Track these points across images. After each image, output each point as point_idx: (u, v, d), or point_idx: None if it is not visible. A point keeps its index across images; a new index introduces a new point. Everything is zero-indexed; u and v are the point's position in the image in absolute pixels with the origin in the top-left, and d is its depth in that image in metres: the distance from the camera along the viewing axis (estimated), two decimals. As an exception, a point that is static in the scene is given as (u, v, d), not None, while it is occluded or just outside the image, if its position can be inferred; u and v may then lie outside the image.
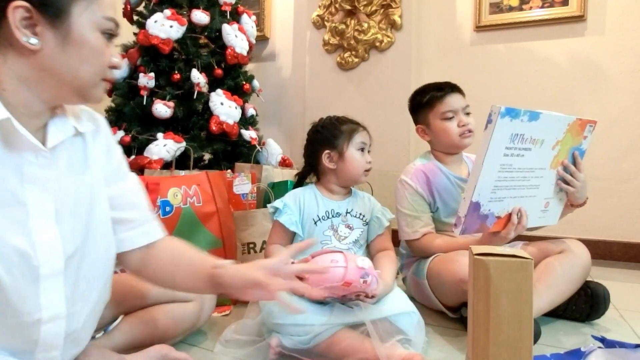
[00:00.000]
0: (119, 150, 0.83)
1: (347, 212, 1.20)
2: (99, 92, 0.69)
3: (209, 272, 0.80)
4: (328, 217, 1.19)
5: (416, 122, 1.47)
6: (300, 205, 1.20)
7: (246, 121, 2.11)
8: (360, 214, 1.21)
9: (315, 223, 1.18)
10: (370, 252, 1.21)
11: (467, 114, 1.38)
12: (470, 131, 1.36)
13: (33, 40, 0.59)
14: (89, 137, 0.75)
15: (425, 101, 1.40)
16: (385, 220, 1.21)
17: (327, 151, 1.21)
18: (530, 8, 2.18)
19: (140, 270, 0.85)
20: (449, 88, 1.38)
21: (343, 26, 2.33)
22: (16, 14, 0.58)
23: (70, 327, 0.70)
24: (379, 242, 1.21)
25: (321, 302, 1.00)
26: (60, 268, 0.67)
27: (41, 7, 0.59)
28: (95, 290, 0.75)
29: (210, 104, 1.92)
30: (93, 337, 0.91)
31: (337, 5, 2.35)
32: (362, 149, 1.21)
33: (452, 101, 1.36)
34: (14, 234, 0.62)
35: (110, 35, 0.68)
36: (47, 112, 0.68)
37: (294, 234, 1.18)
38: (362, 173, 1.21)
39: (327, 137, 1.22)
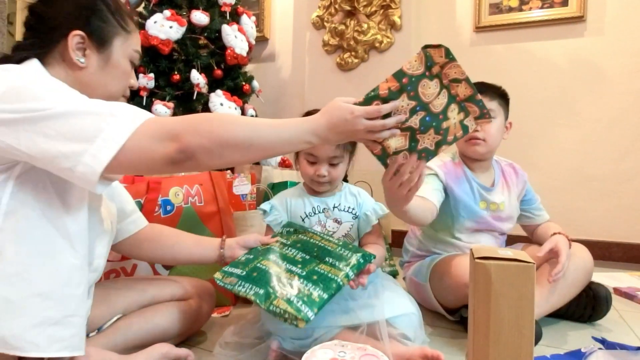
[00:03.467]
0: None
1: (334, 207, 1.18)
2: None
3: (217, 252, 1.06)
4: (315, 214, 1.18)
5: None
6: (287, 205, 1.20)
7: (246, 122, 2.11)
8: (349, 207, 1.19)
9: (302, 220, 1.18)
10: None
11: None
12: (476, 138, 1.27)
13: (82, 60, 0.78)
14: None
15: None
16: (374, 218, 1.17)
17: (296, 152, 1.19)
18: (530, 9, 2.19)
19: (134, 254, 1.09)
20: None
21: (342, 27, 2.33)
22: (74, 39, 0.77)
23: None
24: (367, 238, 1.18)
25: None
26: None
27: (92, 37, 0.79)
28: None
29: (210, 105, 1.92)
30: (87, 335, 0.91)
31: (336, 6, 2.35)
32: (312, 162, 1.13)
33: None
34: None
35: (133, 63, 0.88)
36: None
37: None
38: (310, 182, 1.17)
39: None
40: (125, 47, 0.84)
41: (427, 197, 1.20)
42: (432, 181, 1.27)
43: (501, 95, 1.33)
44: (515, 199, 1.39)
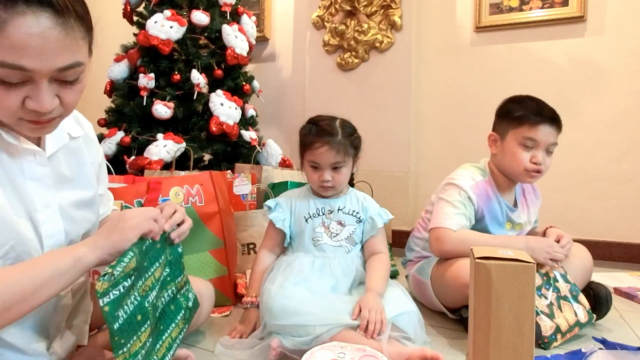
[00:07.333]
0: (102, 151, 0.94)
1: (338, 209, 1.20)
2: (25, 129, 0.68)
3: None
4: (319, 215, 1.19)
5: (494, 127, 1.34)
6: (292, 204, 1.22)
7: (246, 122, 2.11)
8: (354, 211, 1.21)
9: (306, 220, 1.19)
10: (364, 253, 1.21)
11: (549, 152, 1.26)
12: (538, 172, 1.24)
13: None
14: (81, 141, 0.85)
15: (516, 115, 1.25)
16: (379, 222, 1.20)
17: (301, 158, 1.21)
18: (530, 9, 2.18)
19: None
20: (549, 118, 1.24)
21: (343, 27, 2.33)
22: None
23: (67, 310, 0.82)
24: (372, 244, 1.20)
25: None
26: None
27: None
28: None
29: (210, 105, 1.92)
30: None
31: (337, 6, 2.35)
32: (315, 167, 1.16)
33: (543, 133, 1.22)
34: (25, 226, 0.69)
35: (5, 82, 0.60)
36: None
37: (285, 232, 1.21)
38: (316, 188, 1.20)
39: (300, 143, 1.20)
40: None
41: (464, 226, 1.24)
42: (468, 210, 1.26)
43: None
44: (533, 216, 1.41)
